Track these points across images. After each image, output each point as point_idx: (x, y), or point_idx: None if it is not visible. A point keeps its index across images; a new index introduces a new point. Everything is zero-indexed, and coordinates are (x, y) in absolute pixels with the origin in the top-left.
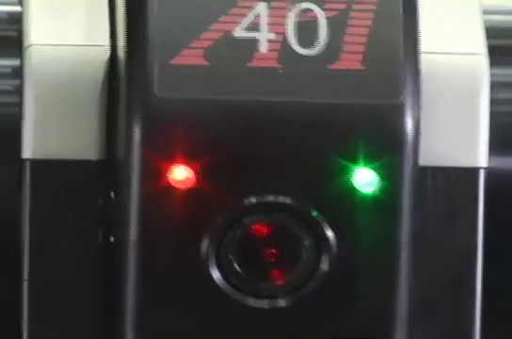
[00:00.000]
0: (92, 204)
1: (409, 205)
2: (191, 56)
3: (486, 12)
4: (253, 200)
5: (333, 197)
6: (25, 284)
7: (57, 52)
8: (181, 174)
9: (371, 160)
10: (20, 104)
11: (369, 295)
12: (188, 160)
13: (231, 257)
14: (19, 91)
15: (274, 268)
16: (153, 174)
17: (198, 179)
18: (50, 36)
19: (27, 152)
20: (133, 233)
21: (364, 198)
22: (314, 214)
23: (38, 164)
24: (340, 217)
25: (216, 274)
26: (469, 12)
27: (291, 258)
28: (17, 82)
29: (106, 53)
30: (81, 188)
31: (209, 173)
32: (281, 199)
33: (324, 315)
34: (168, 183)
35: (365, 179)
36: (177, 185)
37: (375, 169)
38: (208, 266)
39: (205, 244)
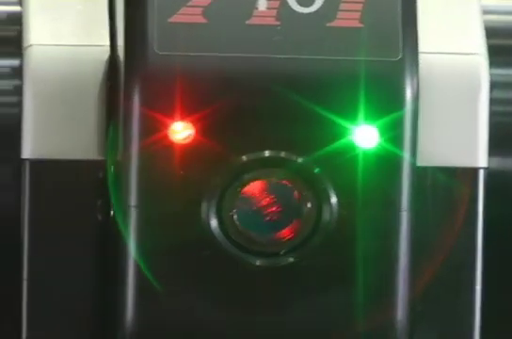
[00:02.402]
0: (92, 204)
1: (411, 162)
2: (190, 15)
3: (485, 12)
4: (253, 155)
5: (334, 153)
6: (25, 284)
7: (57, 52)
8: (180, 130)
9: (372, 116)
10: (19, 105)
11: (371, 251)
12: (188, 116)
13: (232, 214)
14: (18, 91)
15: (276, 224)
16: (153, 130)
17: (197, 135)
18: (50, 36)
19: (27, 152)
20: (134, 190)
21: (365, 154)
22: (315, 169)
23: (37, 164)
24: (341, 173)
25: (217, 232)
26: (468, 12)
27: (292, 214)
28: (16, 82)
29: (106, 53)
30: (80, 188)
31: (208, 129)
32: (282, 154)
33: (327, 272)
34: (168, 139)
35: (366, 135)
36: (177, 141)
37: (376, 125)
38: (209, 224)
39: (206, 201)
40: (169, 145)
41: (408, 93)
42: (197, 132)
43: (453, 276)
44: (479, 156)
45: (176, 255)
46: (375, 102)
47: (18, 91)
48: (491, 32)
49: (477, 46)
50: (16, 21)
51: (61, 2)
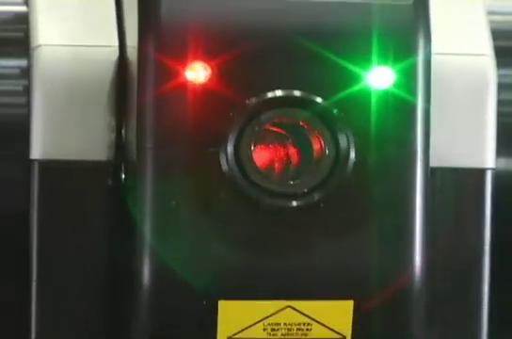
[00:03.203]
0: (102, 205)
1: (426, 103)
2: None
3: (490, 13)
4: (271, 94)
5: (349, 94)
6: (34, 285)
7: (66, 52)
8: (197, 71)
9: (385, 58)
10: (28, 105)
11: (388, 193)
12: (204, 56)
13: (250, 154)
14: (26, 92)
15: (293, 165)
16: (170, 72)
17: (214, 75)
18: (58, 36)
19: (36, 152)
20: (150, 132)
21: (380, 95)
22: (333, 110)
23: (46, 164)
24: (356, 114)
25: (235, 172)
26: (474, 13)
27: (310, 155)
28: (24, 82)
29: (115, 53)
30: (89, 189)
31: (225, 69)
32: (299, 94)
33: (345, 215)
34: (185, 79)
35: (380, 76)
36: (193, 82)
37: (389, 66)
38: (227, 165)
39: (223, 141)
40: (186, 86)
41: (421, 36)
42: (213, 72)
43: (460, 276)
44: (487, 157)
45: (193, 197)
46: (388, 44)
47: (26, 92)
48: (497, 33)
49: (485, 47)
50: (23, 21)
51: (68, 2)
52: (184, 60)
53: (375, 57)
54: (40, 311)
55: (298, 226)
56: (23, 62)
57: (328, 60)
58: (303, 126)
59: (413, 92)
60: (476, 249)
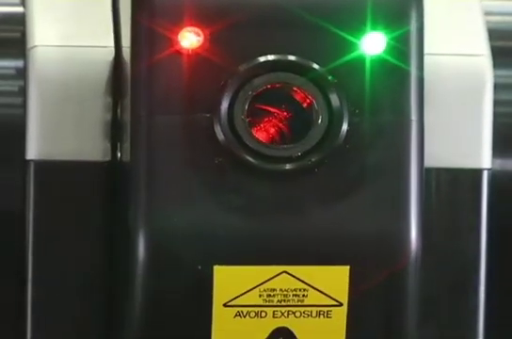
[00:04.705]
0: (97, 206)
1: (419, 70)
2: None
3: (487, 13)
4: (265, 58)
5: (343, 60)
6: (29, 285)
7: (62, 53)
8: (190, 37)
9: (378, 23)
10: (23, 106)
11: (383, 159)
12: (196, 22)
13: (243, 118)
14: (22, 92)
15: (288, 129)
16: (163, 39)
17: (207, 41)
18: (54, 37)
19: (31, 153)
20: (144, 100)
21: (373, 60)
22: (326, 74)
23: (42, 165)
24: (349, 80)
25: (229, 137)
26: (471, 13)
27: (304, 118)
28: (20, 83)
29: (110, 54)
30: (85, 190)
31: (218, 35)
32: (292, 58)
33: (340, 179)
34: (178, 46)
35: (373, 42)
36: (186, 48)
37: (382, 31)
38: (221, 129)
39: (217, 106)
40: (179, 52)
41: (413, 3)
42: (206, 38)
43: (457, 277)
44: (483, 158)
45: (188, 164)
46: (380, 10)
47: (21, 92)
48: (494, 33)
49: (481, 47)
50: (19, 22)
51: (65, 3)
52: (176, 27)
53: (367, 23)
54: (36, 312)
55: (294, 191)
56: (19, 63)
57: (320, 27)
58: (296, 91)
59: (406, 59)
60: (473, 249)
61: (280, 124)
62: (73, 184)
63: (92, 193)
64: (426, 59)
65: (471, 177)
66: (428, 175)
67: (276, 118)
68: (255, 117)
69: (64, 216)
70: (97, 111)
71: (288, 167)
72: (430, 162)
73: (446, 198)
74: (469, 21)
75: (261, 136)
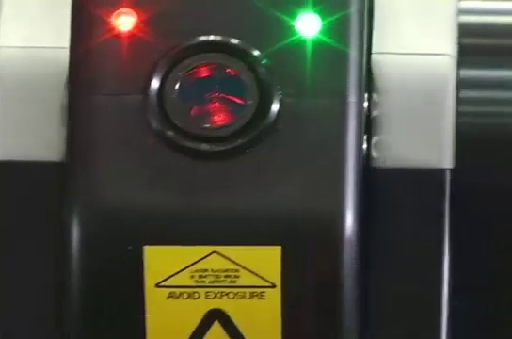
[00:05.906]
0: (54, 206)
1: (358, 52)
2: None
3: (462, 12)
4: (196, 39)
5: (278, 41)
6: None
7: (24, 54)
8: (124, 18)
9: (316, 5)
10: None
11: (318, 140)
12: (131, 3)
13: (174, 98)
14: None
15: (218, 109)
16: (97, 19)
17: (140, 22)
18: (18, 38)
19: None
20: (80, 81)
21: (308, 42)
22: (256, 54)
23: (1, 165)
24: (284, 61)
25: (159, 117)
26: (442, 12)
27: (235, 99)
28: None
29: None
30: (42, 190)
31: (152, 16)
32: (224, 39)
33: (272, 160)
34: (112, 27)
35: (309, 23)
36: (121, 29)
37: (317, 12)
38: (152, 110)
39: (149, 86)
40: (114, 34)
41: None
42: (139, 19)
43: (419, 276)
44: (444, 157)
45: (119, 143)
46: None
47: None
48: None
49: (446, 47)
50: None
51: (32, 4)
52: (111, 9)
53: (302, 5)
54: None
55: (225, 171)
56: None
57: (255, 8)
58: (228, 72)
59: (344, 40)
60: (436, 249)
61: (213, 105)
62: (30, 184)
63: (51, 194)
64: (389, 58)
65: (433, 177)
66: (390, 175)
67: (209, 99)
68: (189, 98)
69: (21, 216)
70: (56, 112)
71: (218, 147)
72: (391, 162)
73: (408, 197)
74: (438, 19)
75: (194, 117)
